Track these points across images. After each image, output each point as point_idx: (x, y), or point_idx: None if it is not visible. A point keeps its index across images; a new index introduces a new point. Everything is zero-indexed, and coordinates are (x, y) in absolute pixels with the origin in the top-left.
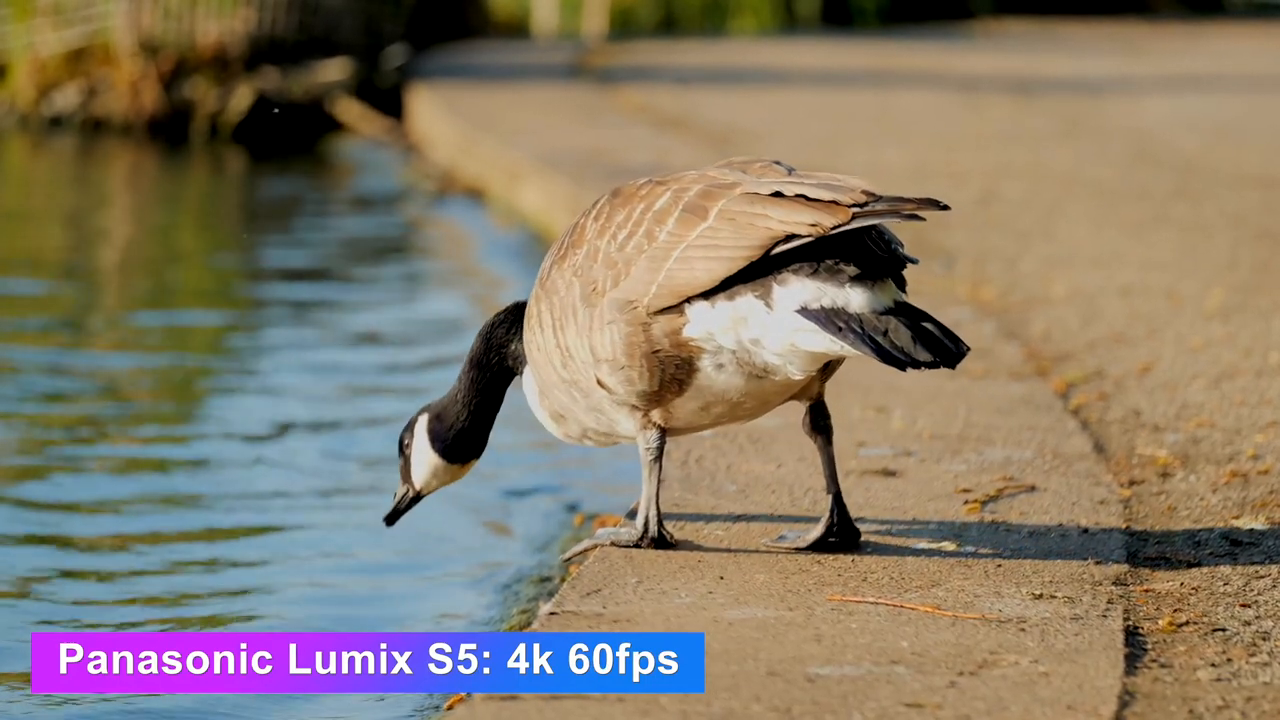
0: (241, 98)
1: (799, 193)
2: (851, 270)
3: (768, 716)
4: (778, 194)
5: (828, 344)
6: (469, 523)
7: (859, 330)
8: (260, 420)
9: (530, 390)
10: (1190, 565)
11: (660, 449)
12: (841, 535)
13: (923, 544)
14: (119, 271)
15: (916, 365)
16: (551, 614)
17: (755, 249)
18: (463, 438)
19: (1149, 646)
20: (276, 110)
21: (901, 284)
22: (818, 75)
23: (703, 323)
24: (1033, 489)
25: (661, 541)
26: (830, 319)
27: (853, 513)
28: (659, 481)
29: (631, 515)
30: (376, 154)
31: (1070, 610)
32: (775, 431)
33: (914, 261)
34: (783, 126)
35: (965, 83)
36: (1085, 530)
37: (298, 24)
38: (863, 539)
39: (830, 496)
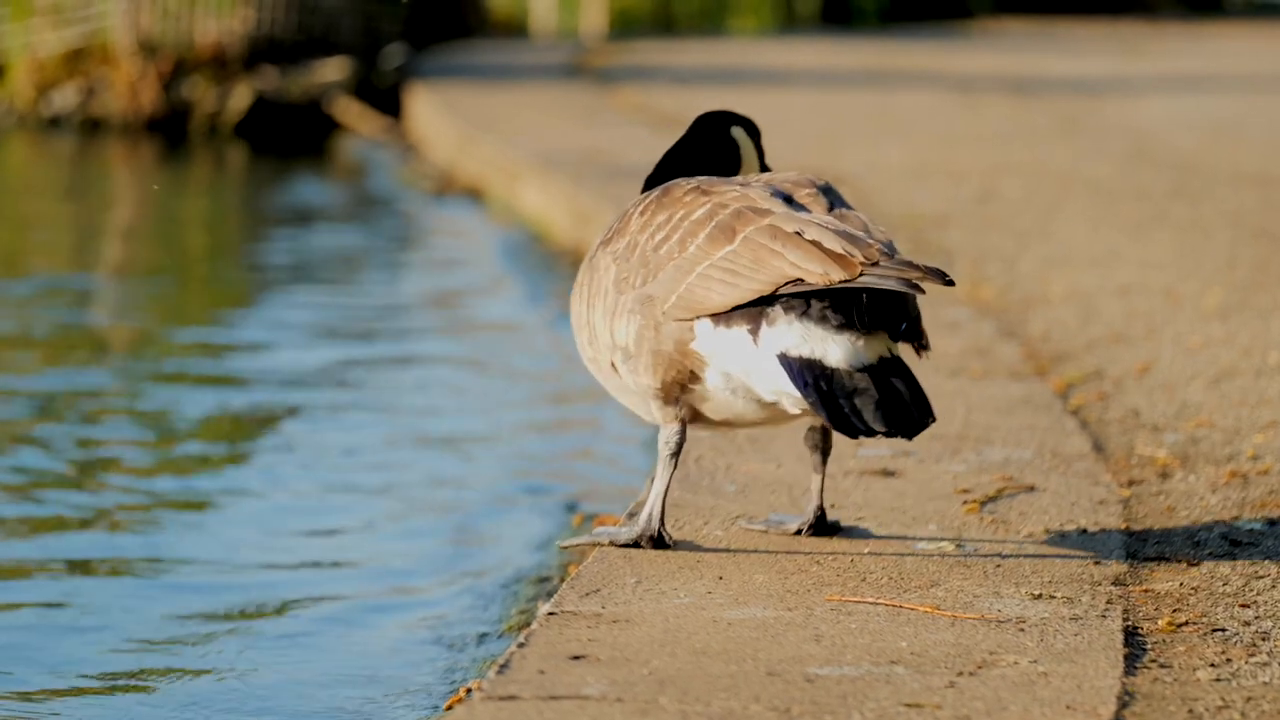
0: (240, 97)
1: (815, 239)
2: (837, 320)
3: (767, 716)
4: (799, 233)
5: (801, 392)
6: (468, 523)
7: (824, 389)
8: (258, 419)
9: None
10: (1190, 565)
11: (679, 446)
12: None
13: (922, 544)
14: (117, 271)
15: (871, 434)
16: (550, 614)
17: (766, 285)
18: None
19: (1148, 647)
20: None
21: (916, 334)
22: (817, 74)
23: (706, 341)
24: (1032, 489)
25: (660, 541)
26: (802, 371)
27: (852, 513)
28: (670, 479)
29: (631, 516)
30: (375, 154)
31: (1069, 610)
32: (774, 431)
33: (913, 333)
34: (782, 126)
35: (964, 82)
36: (1084, 530)
37: (296, 24)
38: (862, 539)
39: (813, 506)
